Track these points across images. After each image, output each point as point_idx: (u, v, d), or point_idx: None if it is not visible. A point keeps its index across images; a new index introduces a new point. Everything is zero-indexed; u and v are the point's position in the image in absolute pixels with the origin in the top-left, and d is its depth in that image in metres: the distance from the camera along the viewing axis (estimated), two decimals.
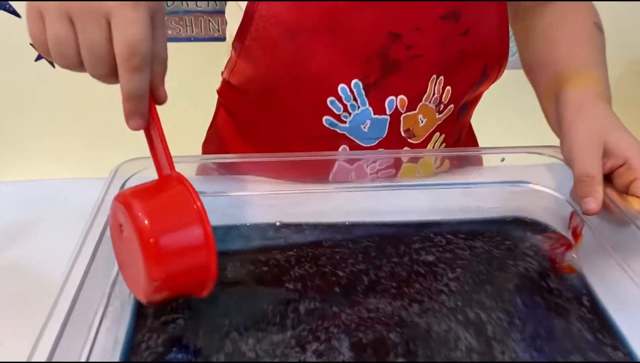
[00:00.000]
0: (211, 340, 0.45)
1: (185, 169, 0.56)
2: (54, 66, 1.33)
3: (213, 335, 0.45)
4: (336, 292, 0.50)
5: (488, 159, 0.59)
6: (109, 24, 0.36)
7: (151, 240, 0.37)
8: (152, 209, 0.38)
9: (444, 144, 0.69)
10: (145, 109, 0.40)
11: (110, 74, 0.38)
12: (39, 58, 1.35)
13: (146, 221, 0.37)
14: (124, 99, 0.39)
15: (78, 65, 0.38)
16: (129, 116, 0.40)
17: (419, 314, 0.47)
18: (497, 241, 0.56)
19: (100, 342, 0.41)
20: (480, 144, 0.78)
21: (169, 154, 0.42)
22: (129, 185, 0.52)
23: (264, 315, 0.47)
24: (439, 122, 0.65)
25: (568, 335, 0.45)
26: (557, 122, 0.58)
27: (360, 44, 0.58)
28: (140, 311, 0.47)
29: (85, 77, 0.39)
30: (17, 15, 1.31)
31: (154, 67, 0.39)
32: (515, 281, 0.51)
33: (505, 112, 1.35)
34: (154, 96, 0.41)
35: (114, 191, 0.51)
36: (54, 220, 0.57)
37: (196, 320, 0.47)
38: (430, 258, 0.54)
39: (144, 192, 0.41)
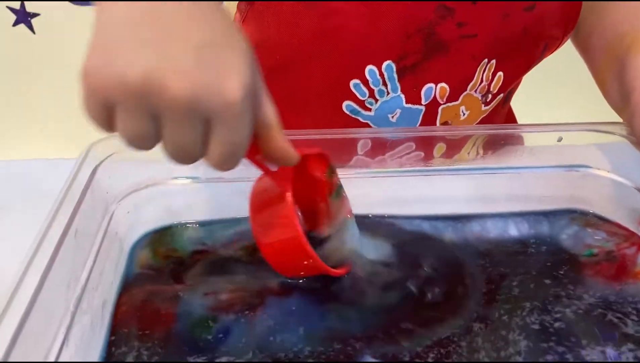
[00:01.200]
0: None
1: None
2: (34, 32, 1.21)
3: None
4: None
5: (541, 139, 0.49)
6: (205, 124, 0.28)
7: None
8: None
9: (486, 137, 0.58)
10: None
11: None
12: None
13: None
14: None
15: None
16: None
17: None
18: (549, 241, 0.46)
19: None
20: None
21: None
22: (102, 169, 0.42)
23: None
24: (484, 115, 0.55)
25: None
26: (621, 95, 0.48)
27: (402, 18, 0.47)
28: (118, 329, 0.38)
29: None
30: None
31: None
32: (572, 294, 0.41)
33: (546, 87, 1.18)
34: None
35: (85, 174, 0.41)
36: (15, 207, 0.47)
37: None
38: (471, 261, 0.44)
39: None
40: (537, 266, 0.44)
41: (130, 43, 0.26)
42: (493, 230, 0.47)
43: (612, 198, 0.48)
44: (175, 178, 0.47)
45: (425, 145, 0.49)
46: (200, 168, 0.47)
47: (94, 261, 0.38)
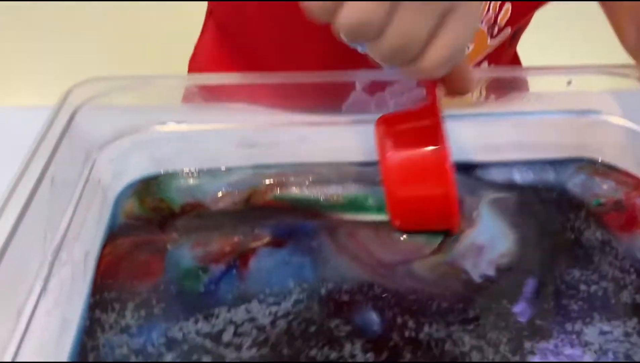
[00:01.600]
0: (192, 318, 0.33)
1: (166, 93, 0.44)
2: None
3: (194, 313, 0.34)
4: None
5: (549, 83, 0.46)
6: (441, 17, 0.26)
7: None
8: None
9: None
10: None
11: None
12: None
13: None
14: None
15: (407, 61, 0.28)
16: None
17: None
18: (556, 190, 0.44)
19: (36, 332, 0.29)
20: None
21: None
22: (81, 114, 0.39)
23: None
24: (489, 50, 0.51)
25: None
26: (638, 39, 0.44)
27: None
28: (102, 280, 0.36)
29: None
30: None
31: None
32: (579, 250, 0.39)
33: (556, 32, 1.12)
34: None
35: (62, 121, 0.38)
36: None
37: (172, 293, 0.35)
38: (474, 214, 0.42)
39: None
40: (543, 216, 0.42)
41: None
42: (497, 179, 0.45)
43: (622, 146, 0.45)
44: (162, 123, 0.44)
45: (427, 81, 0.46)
46: (188, 114, 0.44)
47: (74, 211, 0.36)
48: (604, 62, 0.45)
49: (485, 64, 0.53)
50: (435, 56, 0.27)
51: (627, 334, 0.33)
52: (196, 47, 0.62)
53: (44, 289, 0.31)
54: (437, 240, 0.39)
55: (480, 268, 0.37)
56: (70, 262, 0.34)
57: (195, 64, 0.61)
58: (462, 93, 0.33)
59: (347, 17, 0.26)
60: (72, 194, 0.37)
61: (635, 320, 0.34)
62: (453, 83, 0.33)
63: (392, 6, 0.25)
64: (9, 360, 0.27)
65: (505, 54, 0.55)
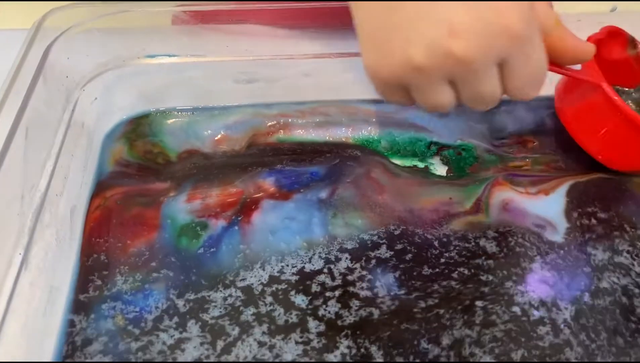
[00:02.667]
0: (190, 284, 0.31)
1: (154, 18, 0.39)
2: None
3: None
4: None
5: (589, 6, 0.40)
6: (499, 66, 0.28)
7: None
8: None
9: None
10: None
11: None
12: None
13: None
14: None
15: None
16: None
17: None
18: None
19: (20, 308, 0.27)
20: None
21: None
22: (58, 47, 0.35)
23: None
24: None
25: None
26: None
27: None
28: (91, 239, 0.33)
29: None
30: None
31: None
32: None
33: None
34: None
35: (36, 56, 0.34)
36: None
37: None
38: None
39: None
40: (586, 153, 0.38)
41: (395, 29, 0.27)
42: (525, 116, 0.41)
43: None
44: (150, 54, 0.39)
45: None
46: (178, 44, 0.39)
47: (55, 163, 0.32)
48: None
49: None
50: (520, 83, 0.28)
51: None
52: None
53: (25, 259, 0.28)
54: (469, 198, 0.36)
55: None
56: (54, 223, 0.31)
57: None
58: (583, 59, 0.32)
59: (424, 102, 0.29)
60: (52, 143, 0.33)
61: None
62: (567, 61, 0.32)
63: (455, 83, 0.28)
64: None
65: None
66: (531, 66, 0.28)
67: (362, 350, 0.28)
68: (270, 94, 0.40)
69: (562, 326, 0.30)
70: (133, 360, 0.28)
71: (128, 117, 0.40)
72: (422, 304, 0.30)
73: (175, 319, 0.30)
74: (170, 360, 0.28)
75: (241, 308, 0.30)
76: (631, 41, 0.38)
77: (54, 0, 0.37)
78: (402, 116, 0.40)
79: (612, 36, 0.37)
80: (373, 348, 0.29)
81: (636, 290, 0.31)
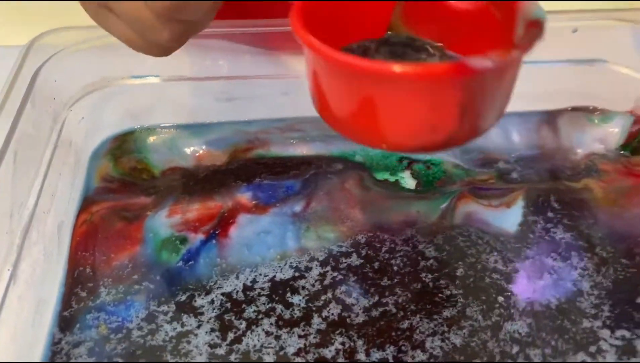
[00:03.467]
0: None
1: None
2: None
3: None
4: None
5: (551, 30, 0.42)
6: None
7: None
8: None
9: None
10: None
11: None
12: None
13: None
14: None
15: None
16: None
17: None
18: (558, 141, 0.42)
19: (9, 320, 0.29)
20: None
21: None
22: (47, 70, 0.37)
23: None
24: None
25: None
26: None
27: None
28: (77, 253, 0.35)
29: None
30: None
31: None
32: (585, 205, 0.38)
33: None
34: None
35: (29, 71, 0.36)
36: None
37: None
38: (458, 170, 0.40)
39: None
40: (546, 167, 0.40)
41: None
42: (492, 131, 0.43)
43: (628, 96, 0.43)
44: (135, 76, 0.41)
45: None
46: (162, 64, 0.41)
47: (43, 182, 0.34)
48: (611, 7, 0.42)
49: None
50: None
51: None
52: None
53: (13, 275, 0.30)
54: (435, 211, 0.38)
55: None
56: (41, 239, 0.33)
57: None
58: None
59: None
60: (40, 163, 0.35)
61: None
62: None
63: None
64: None
65: None
66: None
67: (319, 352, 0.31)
68: (249, 111, 0.43)
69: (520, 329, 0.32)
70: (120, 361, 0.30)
71: (114, 134, 0.42)
72: (387, 310, 0.32)
73: (156, 329, 0.32)
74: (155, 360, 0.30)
75: (219, 319, 0.32)
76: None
77: None
78: None
79: None
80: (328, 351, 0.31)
81: (591, 299, 0.33)
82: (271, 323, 0.32)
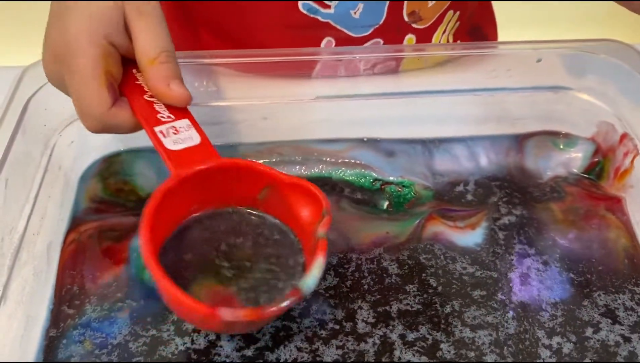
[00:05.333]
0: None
1: None
2: None
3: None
4: None
5: (516, 58, 0.44)
6: None
7: None
8: None
9: (458, 24, 0.53)
10: None
11: None
12: None
13: None
14: None
15: None
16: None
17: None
18: (522, 165, 0.44)
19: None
20: (497, 16, 0.61)
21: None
22: (40, 95, 0.39)
23: None
24: None
25: None
26: None
27: None
28: (65, 271, 0.37)
29: None
30: None
31: None
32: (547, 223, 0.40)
33: None
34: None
35: (20, 101, 0.38)
36: None
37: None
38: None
39: None
40: (514, 188, 0.42)
41: None
42: (462, 154, 0.45)
43: (590, 122, 0.45)
44: None
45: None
46: None
47: (33, 205, 0.37)
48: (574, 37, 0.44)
49: (450, 12, 0.51)
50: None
51: None
52: None
53: (3, 296, 0.32)
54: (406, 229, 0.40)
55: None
56: (31, 260, 0.35)
57: None
58: None
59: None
60: (30, 188, 0.37)
61: None
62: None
63: None
64: None
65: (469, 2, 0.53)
66: (74, 100, 0.32)
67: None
68: (232, 135, 0.45)
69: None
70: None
71: (102, 156, 0.44)
72: (359, 327, 0.35)
73: (141, 344, 0.34)
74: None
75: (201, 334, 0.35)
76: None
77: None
78: (350, 154, 0.45)
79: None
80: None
81: (553, 321, 0.36)
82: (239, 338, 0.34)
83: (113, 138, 0.44)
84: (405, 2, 0.47)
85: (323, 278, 0.37)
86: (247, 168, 0.33)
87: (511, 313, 0.36)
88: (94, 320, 0.35)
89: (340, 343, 0.34)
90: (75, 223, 0.40)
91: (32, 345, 0.34)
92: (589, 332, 0.35)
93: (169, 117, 0.33)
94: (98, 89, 0.31)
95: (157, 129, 0.32)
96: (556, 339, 0.34)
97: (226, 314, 0.28)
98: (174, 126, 0.33)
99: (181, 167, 0.32)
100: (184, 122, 0.33)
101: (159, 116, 0.33)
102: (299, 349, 0.34)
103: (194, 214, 0.34)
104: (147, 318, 0.35)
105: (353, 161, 0.44)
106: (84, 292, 0.36)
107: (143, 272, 0.38)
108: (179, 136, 0.32)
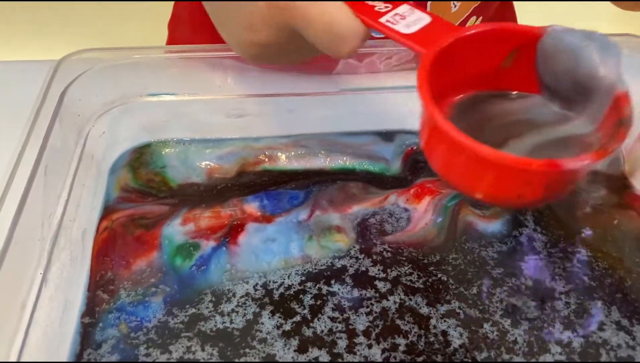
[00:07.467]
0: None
1: (155, 63, 0.44)
2: None
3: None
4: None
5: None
6: None
7: None
8: None
9: None
10: None
11: None
12: None
13: None
14: None
15: None
16: None
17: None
18: None
19: (40, 319, 0.32)
20: (520, 19, 0.62)
21: None
22: (72, 90, 0.40)
23: None
24: (476, 4, 0.50)
25: None
26: None
27: None
28: (99, 258, 0.38)
29: None
30: None
31: None
32: None
33: None
34: None
35: (56, 91, 0.39)
36: None
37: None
38: None
39: None
40: None
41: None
42: None
43: None
44: (152, 94, 0.44)
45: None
46: (176, 85, 0.45)
47: (69, 193, 0.38)
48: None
49: (473, 18, 0.52)
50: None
51: None
52: (174, 9, 0.61)
53: (44, 279, 0.33)
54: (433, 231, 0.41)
55: None
56: (68, 245, 0.36)
57: (175, 27, 0.60)
58: None
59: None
60: (67, 175, 0.38)
61: None
62: None
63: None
64: (18, 347, 0.30)
65: (492, 6, 0.54)
66: (321, 38, 0.28)
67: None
68: (258, 128, 0.46)
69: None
70: (139, 360, 0.33)
71: (132, 147, 0.45)
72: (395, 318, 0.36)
73: (170, 330, 0.35)
74: (164, 361, 0.33)
75: (230, 322, 0.35)
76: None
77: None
78: (374, 148, 0.46)
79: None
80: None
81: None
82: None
83: (142, 130, 0.45)
84: (429, 2, 0.48)
85: (358, 267, 0.38)
86: (499, 30, 0.29)
87: (533, 302, 0.36)
88: (128, 305, 0.36)
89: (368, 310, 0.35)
90: (107, 211, 0.41)
91: (70, 327, 0.35)
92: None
93: (386, 7, 0.30)
94: (343, 6, 0.29)
95: (382, 20, 0.30)
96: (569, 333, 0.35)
97: (568, 163, 0.24)
98: (397, 14, 0.30)
99: (429, 45, 0.28)
100: (405, 8, 0.30)
101: (376, 9, 0.30)
102: (332, 319, 0.35)
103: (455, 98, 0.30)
104: (181, 302, 0.36)
105: (377, 154, 0.45)
106: (118, 278, 0.38)
107: (175, 258, 0.39)
108: (407, 21, 0.30)
